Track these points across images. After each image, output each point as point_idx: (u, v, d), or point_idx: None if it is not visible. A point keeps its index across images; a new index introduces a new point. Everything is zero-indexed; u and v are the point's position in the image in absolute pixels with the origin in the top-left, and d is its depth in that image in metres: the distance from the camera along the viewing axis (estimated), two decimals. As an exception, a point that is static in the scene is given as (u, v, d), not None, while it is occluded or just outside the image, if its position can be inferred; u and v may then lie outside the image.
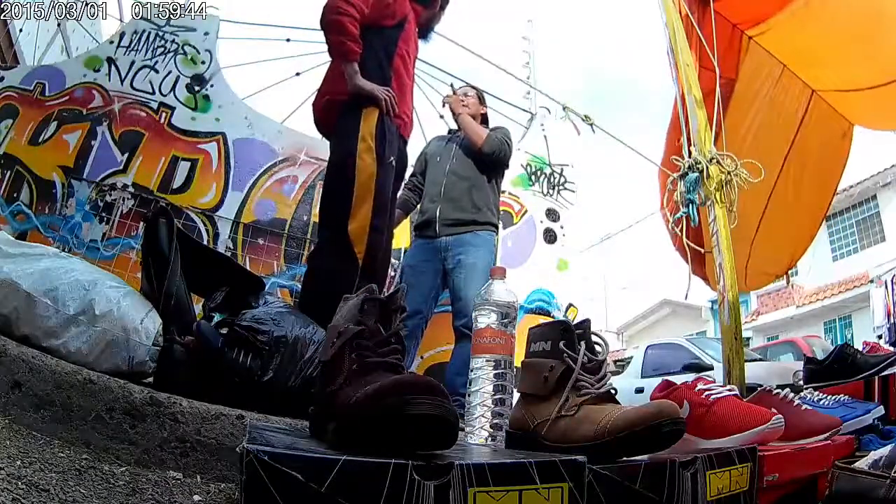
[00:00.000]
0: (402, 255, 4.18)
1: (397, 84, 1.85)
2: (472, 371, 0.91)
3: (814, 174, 3.16)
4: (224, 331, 1.38)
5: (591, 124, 4.78)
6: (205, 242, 3.59)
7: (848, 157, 3.30)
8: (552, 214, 4.57)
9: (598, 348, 0.80)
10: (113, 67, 3.90)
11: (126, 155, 3.79)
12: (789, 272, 3.44)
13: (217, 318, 1.52)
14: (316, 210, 4.08)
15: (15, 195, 3.48)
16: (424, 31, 2.14)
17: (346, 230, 1.66)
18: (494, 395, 0.88)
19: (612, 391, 0.78)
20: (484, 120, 2.77)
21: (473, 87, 2.82)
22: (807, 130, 3.01)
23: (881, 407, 1.52)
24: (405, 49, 1.91)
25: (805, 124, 3.00)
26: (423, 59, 4.63)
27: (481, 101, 2.77)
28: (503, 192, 4.51)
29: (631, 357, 8.60)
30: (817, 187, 3.25)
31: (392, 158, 1.78)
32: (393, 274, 4.11)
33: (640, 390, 6.19)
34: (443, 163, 2.52)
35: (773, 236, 3.12)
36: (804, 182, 3.12)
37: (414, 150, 2.48)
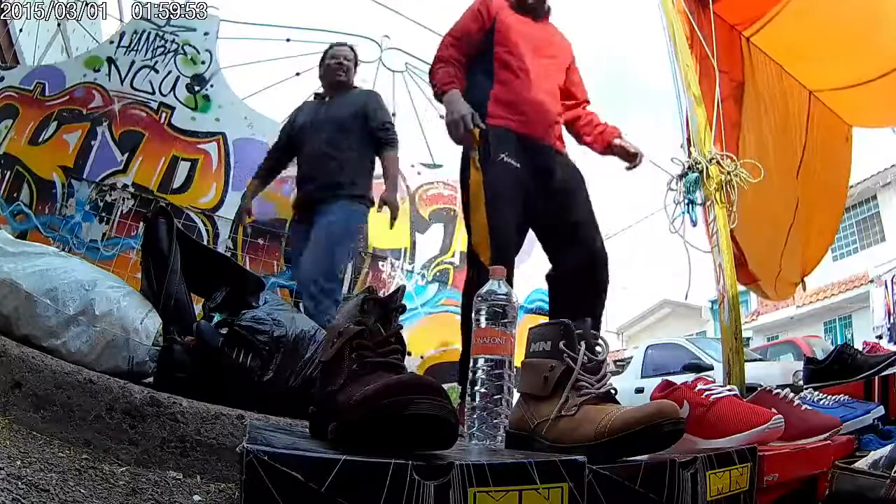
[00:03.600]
0: (403, 254, 4.18)
1: (502, 86, 1.83)
2: (472, 371, 0.91)
3: (823, 180, 3.14)
4: (224, 331, 1.38)
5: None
6: (205, 242, 3.59)
7: (851, 161, 3.30)
8: (552, 214, 4.57)
9: (598, 348, 0.80)
10: (113, 67, 3.90)
11: (126, 155, 3.79)
12: (804, 278, 3.40)
13: (217, 318, 1.52)
14: (316, 210, 4.08)
15: (15, 195, 3.48)
16: (529, 6, 1.96)
17: (471, 246, 1.71)
18: (494, 395, 0.88)
19: (612, 391, 0.78)
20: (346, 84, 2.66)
21: (351, 48, 2.74)
22: (812, 134, 3.01)
23: (881, 407, 1.52)
24: (503, 50, 1.85)
25: (810, 128, 2.99)
26: (422, 59, 4.63)
27: (355, 64, 2.73)
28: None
29: (631, 357, 8.60)
30: (829, 192, 3.23)
31: (503, 155, 1.74)
32: (394, 272, 4.12)
33: (640, 390, 6.19)
34: (318, 134, 2.50)
35: (799, 245, 3.10)
36: (816, 188, 3.10)
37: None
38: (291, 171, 4.10)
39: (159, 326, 1.31)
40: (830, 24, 2.51)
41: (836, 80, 2.85)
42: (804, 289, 3.52)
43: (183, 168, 3.89)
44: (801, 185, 2.97)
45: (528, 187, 1.76)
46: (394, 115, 4.77)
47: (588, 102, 2.05)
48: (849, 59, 2.66)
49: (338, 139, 2.46)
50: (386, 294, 0.73)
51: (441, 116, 4.68)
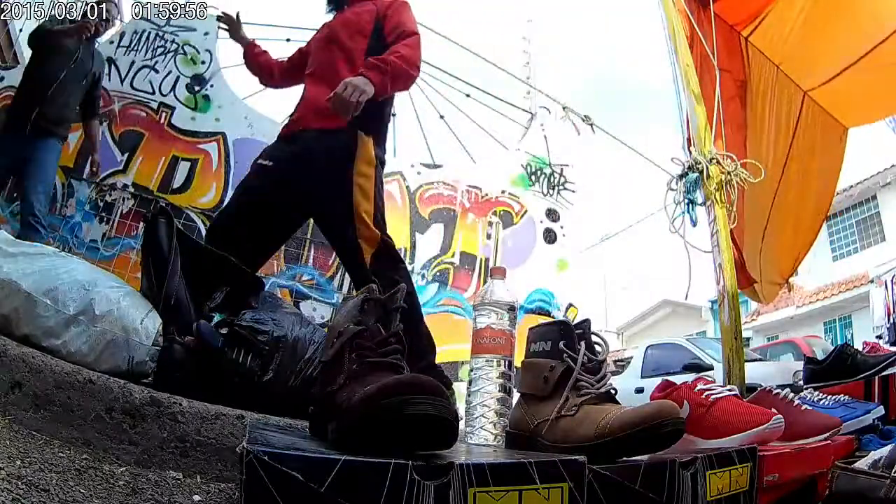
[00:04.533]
0: (402, 254, 4.18)
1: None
2: (472, 371, 0.92)
3: (813, 179, 3.15)
4: (224, 331, 1.38)
5: (591, 124, 4.79)
6: (205, 242, 3.58)
7: (843, 160, 3.31)
8: (552, 214, 4.57)
9: (598, 348, 0.80)
10: (113, 67, 3.90)
11: (126, 155, 3.80)
12: (790, 278, 3.41)
13: (217, 318, 1.52)
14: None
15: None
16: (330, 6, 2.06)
17: None
18: (494, 395, 0.88)
19: (612, 391, 0.78)
20: None
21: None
22: (803, 135, 3.01)
23: (881, 407, 1.52)
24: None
25: (800, 129, 3.00)
26: (422, 60, 4.63)
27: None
28: (503, 191, 4.53)
29: (631, 357, 8.60)
30: (817, 192, 3.25)
31: (259, 158, 1.84)
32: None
33: (640, 390, 6.19)
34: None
35: (777, 245, 3.11)
36: (804, 187, 3.11)
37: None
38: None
39: (159, 326, 1.31)
40: (815, 13, 2.52)
41: (826, 70, 2.85)
42: (789, 290, 3.53)
43: (183, 168, 3.89)
44: (786, 185, 2.98)
45: (277, 178, 1.74)
46: (394, 115, 4.78)
47: (399, 38, 1.80)
48: (835, 44, 2.66)
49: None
50: (386, 294, 0.73)
51: (442, 117, 4.67)
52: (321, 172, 1.70)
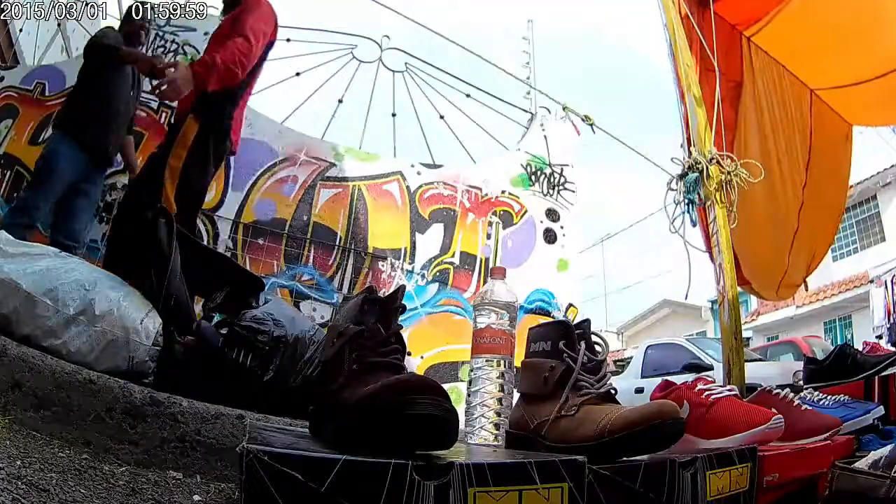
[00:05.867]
0: (403, 254, 4.18)
1: None
2: (472, 371, 0.91)
3: (827, 179, 3.14)
4: (224, 331, 1.38)
5: (591, 124, 4.79)
6: (205, 242, 3.58)
7: (851, 160, 3.30)
8: (552, 214, 4.57)
9: (598, 348, 0.80)
10: (113, 67, 3.88)
11: (126, 155, 3.78)
12: (806, 278, 3.39)
13: (217, 318, 1.52)
14: (316, 210, 4.08)
15: (15, 195, 3.48)
16: None
17: None
18: (494, 395, 0.88)
19: (612, 391, 0.78)
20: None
21: None
22: (819, 134, 3.00)
23: (881, 407, 1.52)
24: None
25: (815, 128, 2.99)
26: (422, 59, 4.63)
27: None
28: (503, 191, 4.53)
29: (631, 357, 8.60)
30: (832, 192, 3.23)
31: None
32: (394, 272, 4.12)
33: (640, 390, 6.19)
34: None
35: (802, 248, 3.08)
36: (822, 187, 3.09)
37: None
38: (293, 171, 4.11)
39: (159, 326, 1.31)
40: (832, 24, 2.51)
41: (837, 79, 2.84)
42: (806, 288, 3.52)
43: (183, 168, 3.87)
44: (808, 186, 2.96)
45: None
46: (394, 115, 4.78)
47: None
48: (850, 58, 2.65)
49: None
50: (386, 294, 0.73)
51: (441, 117, 4.68)
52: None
